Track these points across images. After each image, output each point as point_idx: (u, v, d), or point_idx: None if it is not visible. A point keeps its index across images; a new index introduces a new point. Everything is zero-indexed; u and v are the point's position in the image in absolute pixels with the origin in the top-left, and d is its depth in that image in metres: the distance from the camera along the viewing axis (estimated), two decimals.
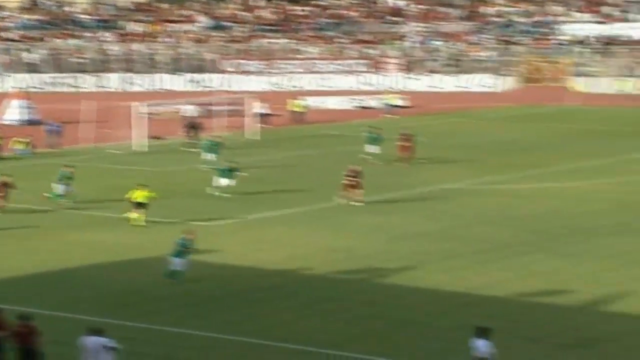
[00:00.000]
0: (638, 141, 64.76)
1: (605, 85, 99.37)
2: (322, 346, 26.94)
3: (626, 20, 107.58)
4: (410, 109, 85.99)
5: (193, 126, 64.42)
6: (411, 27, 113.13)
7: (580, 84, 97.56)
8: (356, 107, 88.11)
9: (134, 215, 41.13)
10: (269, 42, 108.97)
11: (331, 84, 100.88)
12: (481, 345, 23.24)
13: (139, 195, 41.41)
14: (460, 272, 34.45)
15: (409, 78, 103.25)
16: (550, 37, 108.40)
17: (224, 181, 46.83)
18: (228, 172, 47.00)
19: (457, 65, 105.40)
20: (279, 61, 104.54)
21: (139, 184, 42.34)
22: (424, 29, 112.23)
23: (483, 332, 23.47)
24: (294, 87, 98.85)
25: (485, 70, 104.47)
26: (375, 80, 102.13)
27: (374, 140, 57.20)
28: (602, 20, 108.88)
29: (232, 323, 28.92)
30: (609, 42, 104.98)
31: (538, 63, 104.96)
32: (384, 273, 34.43)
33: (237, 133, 67.11)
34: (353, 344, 27.16)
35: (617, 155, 59.26)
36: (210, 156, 55.01)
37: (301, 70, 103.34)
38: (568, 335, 28.05)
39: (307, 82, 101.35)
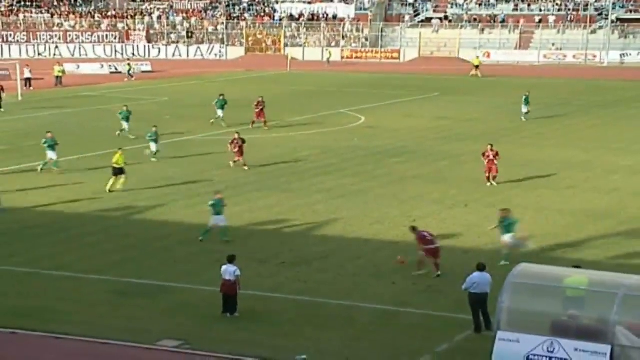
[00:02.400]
0: (340, 99, 66.52)
1: (314, 53, 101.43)
2: (85, 273, 26.71)
3: (329, 0, 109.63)
4: (154, 74, 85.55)
5: None
6: (153, 4, 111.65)
7: (294, 53, 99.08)
8: (110, 72, 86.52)
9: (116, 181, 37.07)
10: (32, 16, 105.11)
11: (86, 53, 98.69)
12: (229, 270, 23.47)
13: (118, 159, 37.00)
14: (201, 207, 34.62)
15: (152, 48, 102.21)
16: (268, 14, 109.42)
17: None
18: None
19: (193, 36, 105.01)
20: (40, 33, 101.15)
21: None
22: (165, 6, 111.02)
23: (230, 259, 23.70)
24: (55, 55, 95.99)
25: (215, 41, 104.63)
26: (124, 50, 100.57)
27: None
28: (309, 0, 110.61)
29: (8, 256, 28.26)
30: (313, 19, 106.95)
31: (259, 35, 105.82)
32: (139, 211, 34.22)
33: (6, 95, 64.50)
34: (112, 270, 27.02)
35: (324, 110, 60.69)
36: None
37: (60, 41, 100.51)
38: (288, 256, 28.72)
39: (65, 50, 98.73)
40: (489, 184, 37.88)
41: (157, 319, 23.43)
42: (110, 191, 36.44)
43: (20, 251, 28.83)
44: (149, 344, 21.65)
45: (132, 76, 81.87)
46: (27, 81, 71.82)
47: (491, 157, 38.00)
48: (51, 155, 39.95)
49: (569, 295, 20.07)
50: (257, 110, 52.09)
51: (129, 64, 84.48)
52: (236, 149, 41.24)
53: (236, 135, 41.86)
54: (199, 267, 27.25)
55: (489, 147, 38.41)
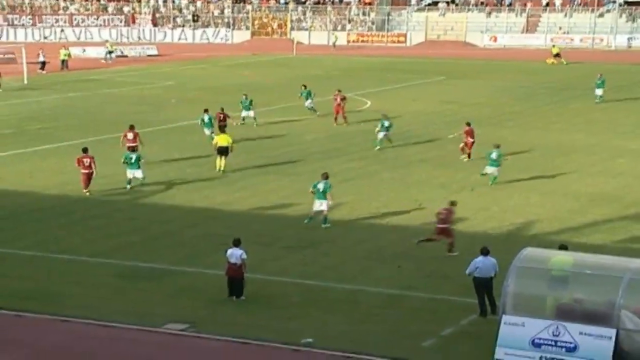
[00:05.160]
0: (346, 83, 66.15)
1: (320, 37, 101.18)
2: (90, 256, 26.78)
3: None
4: (160, 58, 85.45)
5: None
6: None
7: (300, 37, 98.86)
8: (116, 56, 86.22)
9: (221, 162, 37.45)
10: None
11: (92, 36, 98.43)
12: (235, 253, 23.48)
13: (221, 140, 37.57)
14: (208, 191, 34.69)
15: (158, 31, 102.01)
16: None
17: None
18: None
19: (198, 20, 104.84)
20: (45, 16, 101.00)
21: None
22: None
23: (236, 242, 23.71)
24: (60, 39, 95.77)
25: (221, 24, 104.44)
26: (129, 33, 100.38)
27: None
28: None
29: (14, 240, 28.28)
30: (319, 2, 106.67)
31: (265, 19, 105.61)
32: (144, 194, 34.23)
33: (11, 78, 64.60)
34: (115, 254, 27.03)
35: (330, 94, 60.45)
36: None
37: (66, 24, 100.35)
38: (292, 239, 28.77)
39: (70, 34, 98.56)
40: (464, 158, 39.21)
41: (162, 302, 23.48)
42: (222, 171, 36.85)
43: (25, 234, 28.89)
44: (154, 327, 21.67)
45: (109, 60, 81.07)
46: (42, 65, 72.07)
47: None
48: None
49: (555, 275, 20.14)
50: (337, 104, 49.69)
51: (110, 46, 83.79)
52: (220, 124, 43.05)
53: (220, 110, 44.11)
54: (204, 250, 27.29)
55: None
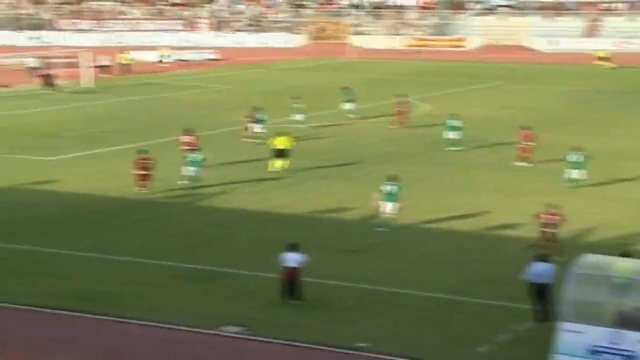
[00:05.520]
0: (405, 87, 65.87)
1: (377, 41, 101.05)
2: (149, 257, 26.93)
3: None
4: (219, 62, 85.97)
5: (48, 76, 62.20)
6: None
7: (357, 41, 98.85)
8: (176, 60, 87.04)
9: (277, 163, 37.63)
10: (99, 4, 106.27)
11: (152, 41, 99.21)
12: (292, 257, 23.49)
13: (280, 142, 37.96)
14: (265, 193, 34.76)
15: (218, 36, 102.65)
16: (332, 2, 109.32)
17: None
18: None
19: (258, 24, 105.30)
20: (107, 21, 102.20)
21: (278, 132, 39.55)
22: None
23: (293, 246, 23.72)
24: (120, 43, 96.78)
25: (280, 29, 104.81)
26: (190, 38, 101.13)
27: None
28: None
29: (74, 241, 28.54)
30: (379, 7, 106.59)
31: (323, 23, 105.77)
32: (202, 197, 34.40)
33: (73, 82, 65.53)
34: (172, 256, 27.17)
35: (388, 98, 60.30)
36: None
37: (126, 29, 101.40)
38: (350, 243, 28.67)
39: (132, 38, 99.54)
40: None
41: (219, 304, 23.52)
42: (280, 171, 37.18)
43: (84, 236, 29.17)
44: (210, 329, 21.71)
45: (165, 64, 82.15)
46: (104, 68, 73.10)
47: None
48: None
49: (616, 282, 19.75)
50: (398, 109, 49.61)
51: (163, 50, 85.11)
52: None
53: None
54: (260, 253, 27.29)
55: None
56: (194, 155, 35.84)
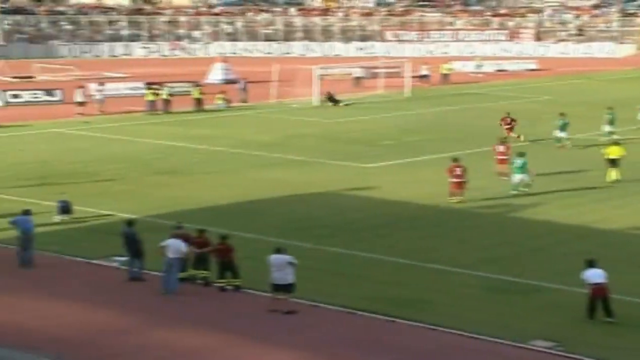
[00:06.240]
0: None
1: None
2: (461, 267, 27.00)
3: None
4: (539, 72, 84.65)
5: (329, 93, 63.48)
6: (545, 2, 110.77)
7: None
8: (495, 70, 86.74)
9: (613, 173, 37.63)
10: (425, 16, 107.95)
11: (474, 51, 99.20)
12: (597, 273, 22.86)
13: (613, 151, 38.07)
14: (579, 207, 33.85)
15: (540, 46, 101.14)
16: None
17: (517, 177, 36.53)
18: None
19: (583, 34, 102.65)
20: (431, 32, 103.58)
21: (613, 141, 40.37)
22: (557, 3, 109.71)
23: (591, 263, 23.08)
24: (444, 53, 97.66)
25: (606, 38, 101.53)
26: (511, 48, 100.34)
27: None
28: None
29: (389, 247, 29.10)
30: None
31: None
32: (513, 208, 34.04)
33: (395, 92, 67.06)
34: (484, 266, 27.07)
35: None
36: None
37: (450, 39, 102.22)
38: None
39: (454, 49, 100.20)
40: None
41: (528, 318, 23.20)
42: (615, 180, 37.29)
43: (398, 242, 29.71)
44: (520, 342, 21.44)
45: (478, 74, 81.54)
46: (424, 78, 74.35)
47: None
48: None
49: None
50: (505, 127, 47.37)
51: (478, 60, 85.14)
52: (507, 127, 46.34)
53: (506, 114, 47.30)
54: (574, 268, 26.43)
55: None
56: (519, 160, 35.92)
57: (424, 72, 74.97)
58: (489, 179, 37.64)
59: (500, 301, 24.42)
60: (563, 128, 46.05)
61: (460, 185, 34.54)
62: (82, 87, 58.64)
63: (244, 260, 25.25)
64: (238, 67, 76.28)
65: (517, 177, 35.76)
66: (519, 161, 35.91)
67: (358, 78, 72.51)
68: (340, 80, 69.27)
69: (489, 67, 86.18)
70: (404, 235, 30.52)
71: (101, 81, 65.00)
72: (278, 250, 23.72)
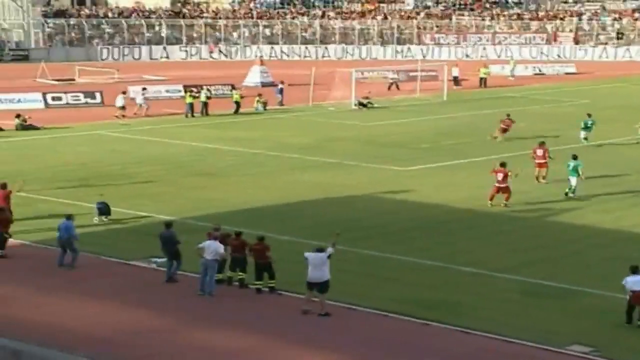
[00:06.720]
0: None
1: None
2: (496, 271, 26.82)
3: None
4: (578, 76, 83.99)
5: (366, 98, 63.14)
6: (585, 6, 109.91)
7: None
8: (533, 74, 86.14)
9: None
10: (463, 18, 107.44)
11: (512, 54, 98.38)
12: (635, 281, 22.62)
13: None
14: (618, 212, 33.54)
15: (579, 49, 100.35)
16: None
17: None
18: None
19: (622, 37, 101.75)
20: (469, 35, 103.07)
21: None
22: (597, 7, 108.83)
23: (636, 269, 22.82)
24: (482, 57, 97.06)
25: None
26: (550, 51, 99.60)
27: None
28: None
29: (424, 249, 28.98)
30: None
31: None
32: (550, 212, 33.81)
33: (432, 95, 66.85)
34: (520, 270, 26.88)
35: None
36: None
37: (488, 42, 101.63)
38: None
39: (492, 52, 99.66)
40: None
41: (565, 322, 23.00)
42: None
43: (434, 245, 29.57)
44: (557, 347, 21.28)
45: (511, 78, 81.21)
46: (455, 80, 73.95)
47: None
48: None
49: None
50: (502, 127, 48.70)
51: (513, 64, 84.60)
52: (503, 127, 48.07)
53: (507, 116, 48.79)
54: (611, 272, 26.25)
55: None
56: (573, 163, 35.82)
57: (454, 74, 74.23)
58: (527, 182, 37.34)
59: (536, 305, 24.23)
60: (588, 128, 46.77)
61: (500, 190, 34.30)
62: (124, 92, 58.79)
63: (279, 263, 25.24)
64: (275, 70, 76.37)
65: (572, 180, 35.53)
66: (571, 163, 35.67)
67: (394, 81, 72.37)
68: (377, 83, 69.20)
69: (527, 71, 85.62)
70: (439, 238, 30.39)
71: (144, 85, 64.89)
72: (318, 250, 23.65)
